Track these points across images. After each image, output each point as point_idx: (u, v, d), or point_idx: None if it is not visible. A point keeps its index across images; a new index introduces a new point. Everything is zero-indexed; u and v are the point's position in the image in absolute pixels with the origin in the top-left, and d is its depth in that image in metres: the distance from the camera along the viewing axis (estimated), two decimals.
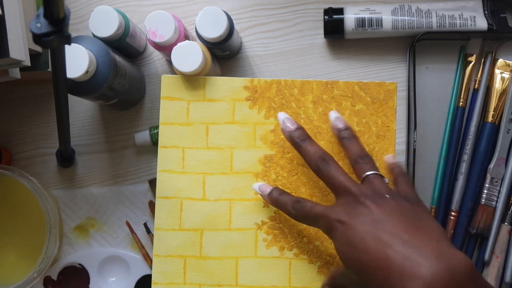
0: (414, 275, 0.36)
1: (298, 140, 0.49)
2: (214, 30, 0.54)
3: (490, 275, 0.59)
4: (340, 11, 0.61)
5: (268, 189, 0.51)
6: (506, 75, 0.61)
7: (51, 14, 0.40)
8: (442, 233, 0.40)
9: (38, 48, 0.57)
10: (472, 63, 0.61)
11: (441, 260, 0.37)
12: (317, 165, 0.47)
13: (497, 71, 0.61)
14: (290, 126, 0.50)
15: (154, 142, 0.62)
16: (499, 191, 0.60)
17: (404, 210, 0.42)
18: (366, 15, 0.61)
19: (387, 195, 0.44)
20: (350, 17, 0.61)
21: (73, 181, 0.64)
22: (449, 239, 0.40)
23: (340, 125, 0.51)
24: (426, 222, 0.41)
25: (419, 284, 0.36)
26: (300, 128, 0.50)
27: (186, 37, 0.57)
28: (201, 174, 0.54)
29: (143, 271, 0.62)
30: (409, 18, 0.60)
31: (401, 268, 0.37)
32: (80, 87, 0.53)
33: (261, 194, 0.51)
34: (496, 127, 0.60)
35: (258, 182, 0.53)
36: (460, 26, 0.60)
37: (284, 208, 0.49)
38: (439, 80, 0.62)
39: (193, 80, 0.55)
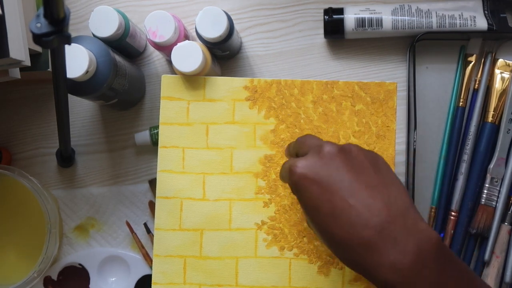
0: (385, 259, 0.36)
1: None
2: (214, 30, 0.54)
3: (490, 275, 0.59)
4: (340, 11, 0.61)
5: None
6: (506, 75, 0.61)
7: (51, 14, 0.40)
8: (407, 200, 0.40)
9: (38, 48, 0.57)
10: (472, 63, 0.61)
11: (409, 239, 0.37)
12: (294, 140, 0.46)
13: (497, 71, 0.61)
14: None
15: (154, 142, 0.62)
16: (499, 191, 0.60)
17: (370, 170, 0.41)
18: (366, 15, 0.61)
19: (352, 147, 0.42)
20: (350, 17, 0.61)
21: (73, 181, 0.64)
22: (413, 205, 0.40)
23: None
24: (392, 186, 0.40)
25: (388, 267, 0.36)
26: None
27: (186, 37, 0.57)
28: (201, 174, 0.54)
29: (143, 271, 0.62)
30: (409, 18, 0.60)
31: (374, 248, 0.37)
32: (80, 87, 0.53)
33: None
34: (496, 127, 0.60)
35: None
36: (460, 26, 0.60)
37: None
38: (439, 80, 0.62)
39: (193, 80, 0.55)
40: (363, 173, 0.40)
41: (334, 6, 0.63)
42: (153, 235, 0.62)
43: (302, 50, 0.64)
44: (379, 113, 0.54)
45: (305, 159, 0.41)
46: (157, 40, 0.55)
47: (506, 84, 0.60)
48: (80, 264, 0.63)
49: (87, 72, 0.51)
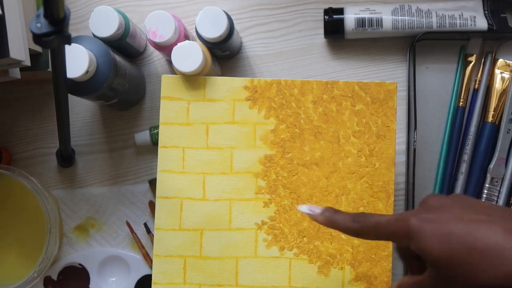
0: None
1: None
2: (214, 30, 0.54)
3: None
4: (340, 11, 0.61)
5: (318, 209, 0.46)
6: (506, 75, 0.61)
7: (51, 14, 0.40)
8: (504, 211, 0.40)
9: (38, 48, 0.57)
10: (472, 63, 0.61)
11: None
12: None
13: (497, 71, 0.61)
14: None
15: (154, 142, 0.62)
16: (499, 191, 0.60)
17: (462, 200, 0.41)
18: (366, 15, 0.61)
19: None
20: (350, 17, 0.61)
21: (73, 181, 0.64)
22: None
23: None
24: (483, 204, 0.41)
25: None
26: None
27: (186, 37, 0.57)
28: (201, 174, 0.54)
29: (143, 271, 0.62)
30: (409, 18, 0.60)
31: (499, 251, 0.36)
32: (80, 87, 0.53)
33: (311, 215, 0.46)
34: (496, 127, 0.60)
35: (305, 205, 0.47)
36: (460, 26, 0.60)
37: (342, 224, 0.44)
38: (439, 80, 0.62)
39: (193, 80, 0.55)
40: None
41: (334, 6, 0.63)
42: (153, 235, 0.62)
43: (302, 50, 0.64)
44: (379, 113, 0.54)
45: (415, 211, 0.41)
46: (157, 40, 0.55)
47: (506, 84, 0.60)
48: (80, 264, 0.63)
49: (87, 72, 0.51)
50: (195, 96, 0.55)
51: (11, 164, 0.64)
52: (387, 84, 0.54)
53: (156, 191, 0.54)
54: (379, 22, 0.61)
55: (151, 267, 0.62)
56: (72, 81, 0.52)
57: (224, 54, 0.61)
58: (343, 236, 0.53)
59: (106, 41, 0.55)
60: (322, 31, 0.63)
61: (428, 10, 0.61)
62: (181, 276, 0.53)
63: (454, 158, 0.61)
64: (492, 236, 0.37)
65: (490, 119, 0.60)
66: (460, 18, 0.60)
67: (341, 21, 0.61)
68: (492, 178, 0.60)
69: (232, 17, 0.58)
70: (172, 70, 0.64)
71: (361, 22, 0.61)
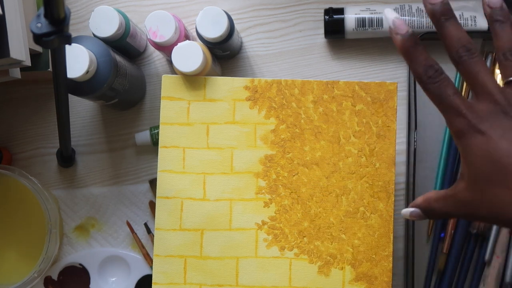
0: None
1: (442, 18, 0.42)
2: (215, 30, 0.54)
3: (491, 275, 0.59)
4: (341, 11, 0.61)
5: (404, 29, 0.41)
6: None
7: (52, 14, 0.40)
8: None
9: (39, 48, 0.57)
10: None
11: None
12: (458, 54, 0.43)
13: (497, 71, 0.61)
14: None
15: (155, 142, 0.62)
16: None
17: None
18: (367, 15, 0.61)
19: None
20: (350, 17, 0.61)
21: (73, 181, 0.64)
22: None
23: (496, 3, 0.43)
24: None
25: None
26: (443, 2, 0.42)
27: (187, 37, 0.58)
28: (202, 174, 0.54)
29: (144, 271, 0.62)
30: (409, 18, 0.60)
31: None
32: (81, 87, 0.53)
33: (392, 29, 0.42)
34: None
35: (393, 14, 0.42)
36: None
37: (414, 68, 0.43)
38: None
39: (193, 80, 0.55)
40: None
41: (335, 6, 0.63)
42: (153, 235, 0.62)
43: (302, 50, 0.64)
44: (379, 113, 0.54)
45: (482, 112, 0.40)
46: (157, 40, 0.55)
47: None
48: (80, 264, 0.63)
49: (87, 72, 0.51)
50: (196, 96, 0.55)
51: (11, 164, 0.64)
52: (387, 84, 0.54)
53: (157, 191, 0.54)
54: (380, 22, 0.61)
55: (151, 267, 0.62)
56: (72, 81, 0.52)
57: (225, 54, 0.61)
58: (343, 236, 0.53)
59: (107, 41, 0.55)
60: (322, 31, 0.63)
61: None
62: (181, 276, 0.53)
63: (454, 158, 0.61)
64: None
65: None
66: (460, 18, 0.60)
67: (342, 21, 0.61)
68: None
69: (232, 17, 0.58)
70: (173, 70, 0.64)
71: (361, 22, 0.61)
